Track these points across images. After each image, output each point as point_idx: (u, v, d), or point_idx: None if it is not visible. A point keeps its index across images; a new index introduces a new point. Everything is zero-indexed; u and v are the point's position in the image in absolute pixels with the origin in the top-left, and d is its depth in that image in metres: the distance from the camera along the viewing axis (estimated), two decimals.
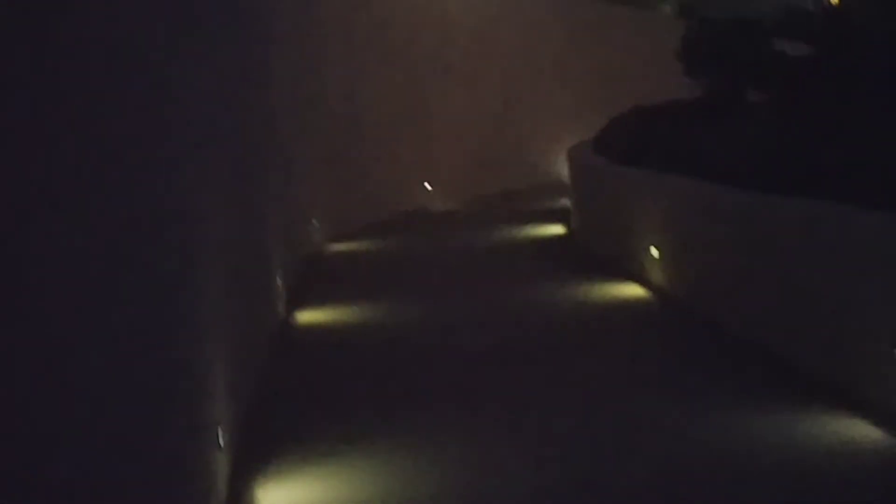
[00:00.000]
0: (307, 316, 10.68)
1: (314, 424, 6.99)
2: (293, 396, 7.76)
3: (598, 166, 14.01)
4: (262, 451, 6.46)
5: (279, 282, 10.43)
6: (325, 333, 9.86)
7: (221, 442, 5.64)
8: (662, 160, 11.86)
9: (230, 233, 7.05)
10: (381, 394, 7.64)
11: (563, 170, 23.81)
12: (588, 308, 10.22)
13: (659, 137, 13.02)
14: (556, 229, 15.92)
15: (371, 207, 18.50)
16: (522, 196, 21.29)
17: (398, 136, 19.80)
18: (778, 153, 9.19)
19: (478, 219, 18.36)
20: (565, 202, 18.60)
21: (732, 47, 16.33)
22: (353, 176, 18.05)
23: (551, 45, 24.14)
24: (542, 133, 23.81)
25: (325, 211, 16.51)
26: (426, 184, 20.60)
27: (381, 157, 19.14)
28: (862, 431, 6.13)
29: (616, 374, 7.84)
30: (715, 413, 6.64)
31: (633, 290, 10.91)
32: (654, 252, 11.01)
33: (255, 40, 10.58)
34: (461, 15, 22.00)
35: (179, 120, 5.42)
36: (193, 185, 5.71)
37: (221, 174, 6.88)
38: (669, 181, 10.89)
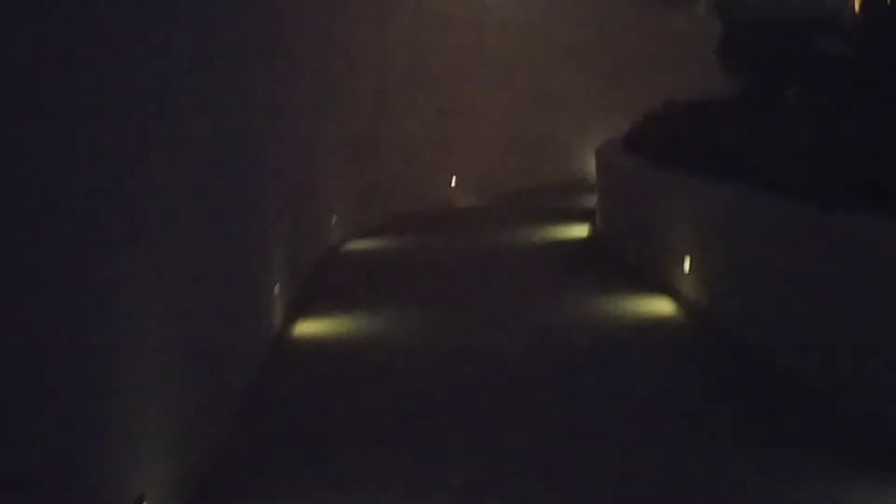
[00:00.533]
0: (309, 327, 9.99)
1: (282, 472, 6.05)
2: (270, 435, 6.79)
3: (628, 166, 13.51)
4: None
5: (277, 290, 9.86)
6: (319, 354, 9.02)
7: None
8: (700, 163, 11.30)
9: (201, 234, 6.21)
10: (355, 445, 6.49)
11: (592, 167, 23.32)
12: (611, 329, 9.36)
13: (695, 138, 12.49)
14: (581, 231, 15.44)
15: (394, 202, 18.08)
16: (549, 194, 20.80)
17: (425, 129, 19.37)
18: (830, 161, 8.44)
19: (502, 216, 17.90)
20: (591, 202, 18.11)
21: (772, 46, 15.81)
22: (377, 169, 17.64)
23: (584, 41, 23.66)
24: (572, 129, 23.34)
25: (346, 205, 16.11)
26: (452, 179, 20.17)
27: (406, 149, 18.72)
28: None
29: (635, 428, 6.60)
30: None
31: (662, 306, 10.11)
32: (688, 263, 10.43)
33: (275, 20, 10.20)
34: (496, 8, 21.53)
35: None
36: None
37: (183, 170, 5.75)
38: (708, 187, 10.23)
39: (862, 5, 19.27)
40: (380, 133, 17.71)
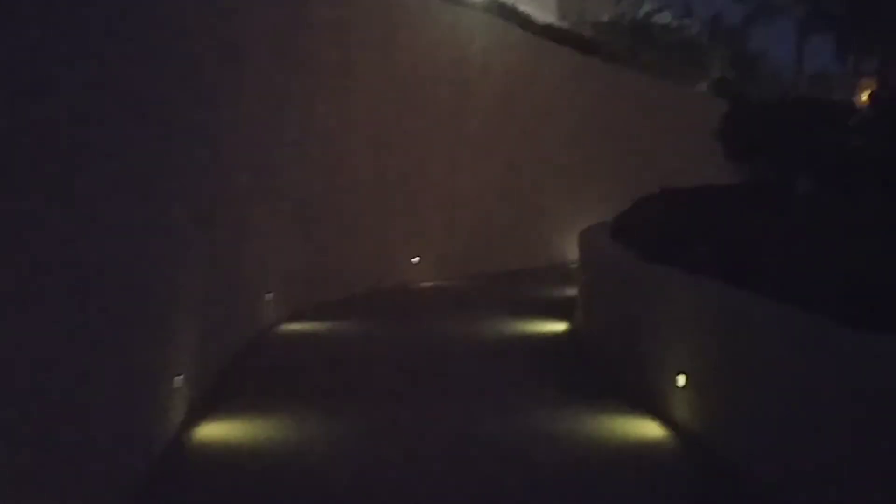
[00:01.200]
0: (216, 430, 7.97)
1: None
2: None
3: (617, 258, 11.35)
4: None
5: (179, 382, 7.74)
6: (222, 471, 7.14)
7: None
8: (702, 260, 9.23)
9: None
10: None
11: (570, 253, 21.18)
12: (587, 458, 7.47)
13: (696, 231, 10.40)
14: (558, 327, 13.23)
15: (347, 278, 15.86)
16: (522, 279, 18.63)
17: (387, 199, 17.20)
18: (856, 275, 6.71)
19: (468, 302, 15.69)
20: (571, 293, 15.95)
21: (779, 132, 13.93)
22: (329, 240, 15.43)
23: (570, 116, 21.60)
24: (551, 210, 21.19)
25: (288, 281, 13.86)
26: (415, 257, 17.96)
27: (364, 220, 16.53)
28: None
29: None
30: None
31: (650, 430, 8.21)
32: (682, 381, 8.34)
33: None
34: (478, 77, 19.48)
35: None
36: None
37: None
38: (712, 291, 8.23)
39: (872, 98, 17.67)
40: (334, 200, 15.53)
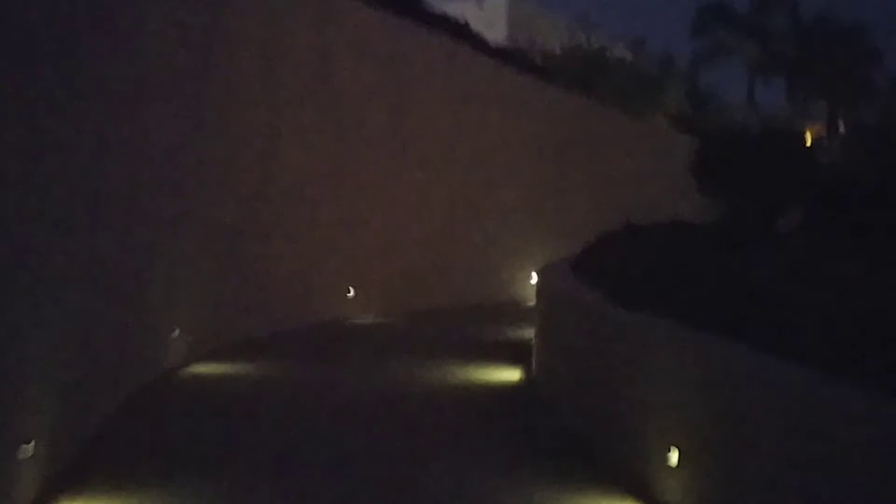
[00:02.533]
0: None
1: None
2: None
3: (581, 300, 9.65)
4: None
5: (27, 452, 5.90)
6: None
7: None
8: (681, 306, 7.60)
9: None
10: None
11: (523, 290, 19.50)
12: None
13: (672, 272, 8.77)
14: (511, 375, 11.49)
15: (271, 314, 14.04)
16: (469, 317, 16.90)
17: (320, 227, 15.44)
18: (867, 334, 5.50)
19: (408, 343, 13.91)
20: (526, 334, 14.26)
21: (758, 165, 12.55)
22: (250, 271, 13.62)
23: (523, 144, 19.99)
24: (501, 243, 19.52)
25: (201, 315, 12.03)
26: (349, 289, 16.18)
27: (293, 249, 14.74)
28: None
29: None
30: None
31: None
32: (674, 457, 6.63)
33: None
34: (423, 97, 17.81)
35: None
36: None
37: None
38: (702, 345, 6.60)
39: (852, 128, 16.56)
40: (258, 226, 13.74)
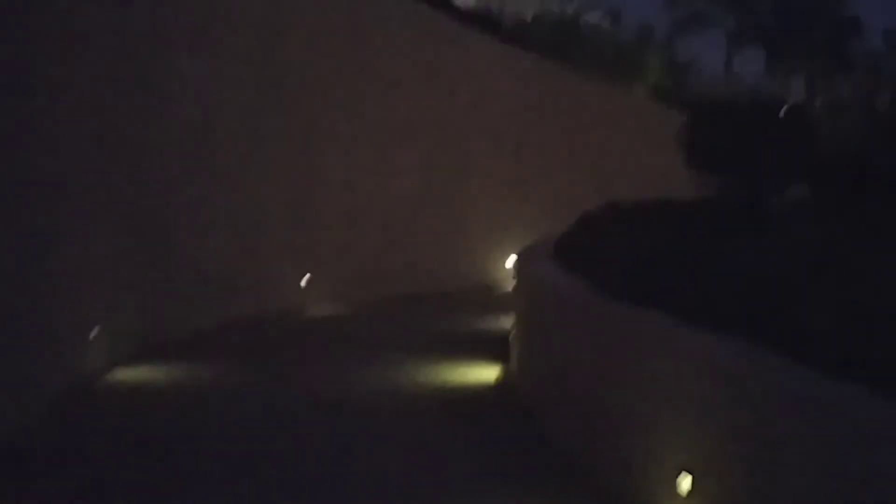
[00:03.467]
0: None
1: None
2: None
3: (566, 290, 8.11)
4: None
5: None
6: None
7: None
8: (684, 299, 6.18)
9: None
10: None
11: (497, 273, 17.96)
12: None
13: (677, 261, 7.30)
14: (487, 374, 9.94)
15: (212, 306, 12.46)
16: (440, 306, 15.35)
17: (269, 207, 13.85)
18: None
19: (368, 338, 12.35)
20: (503, 325, 12.76)
21: (752, 138, 11.09)
22: (192, 259, 12.04)
23: (498, 116, 18.37)
24: (474, 223, 17.94)
25: (126, 309, 10.45)
26: (304, 279, 14.60)
27: (239, 232, 13.15)
28: None
29: None
30: None
31: None
32: (686, 483, 5.18)
33: None
34: (386, 63, 16.19)
35: None
36: None
37: None
38: (718, 346, 5.25)
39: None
40: (195, 205, 12.13)
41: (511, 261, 18.24)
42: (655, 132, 20.47)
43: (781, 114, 11.52)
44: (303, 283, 14.52)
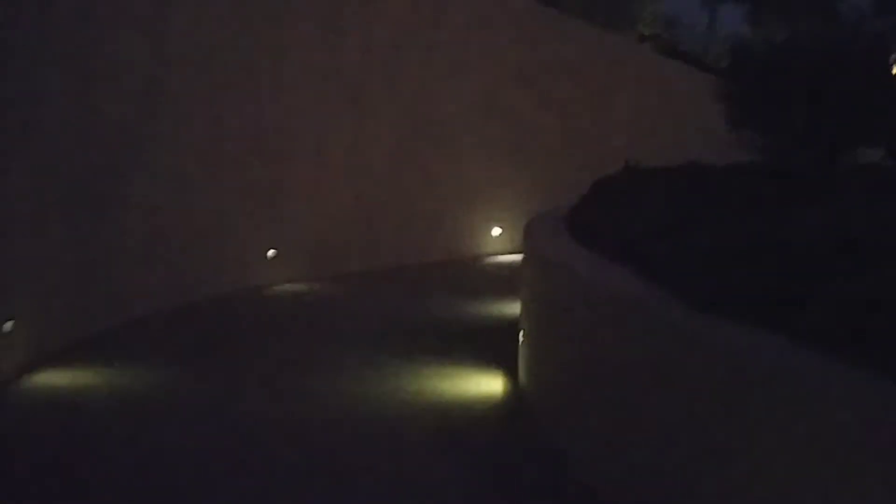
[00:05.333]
0: None
1: None
2: None
3: (601, 283, 6.28)
4: None
5: None
6: None
7: None
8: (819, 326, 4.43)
9: None
10: None
11: (491, 245, 16.21)
12: None
13: (742, 247, 5.60)
14: (488, 385, 8.10)
15: (168, 288, 10.65)
16: (424, 282, 13.56)
17: (228, 171, 11.98)
18: None
19: (341, 323, 10.56)
20: (497, 310, 11.08)
21: (820, 88, 9.25)
22: (134, 235, 10.19)
23: (485, 67, 16.45)
24: (459, 187, 16.09)
25: (53, 301, 8.61)
26: (271, 250, 12.76)
27: (193, 199, 11.30)
28: None
29: None
30: None
31: None
32: None
33: None
34: (363, 20, 14.24)
35: None
36: None
37: None
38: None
39: None
40: (136, 167, 10.26)
41: (497, 231, 16.52)
42: (667, 87, 18.77)
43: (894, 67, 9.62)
44: (270, 254, 12.68)
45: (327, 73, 13.52)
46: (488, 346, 9.22)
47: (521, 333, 8.26)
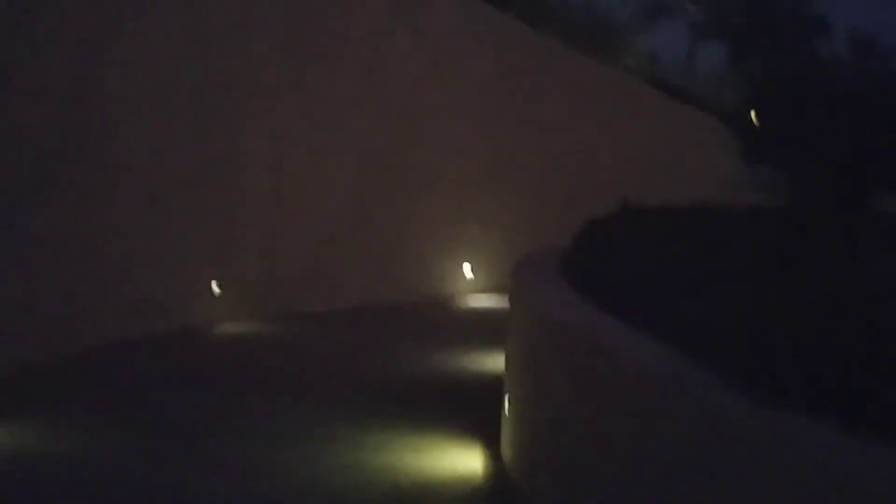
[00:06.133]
0: None
1: None
2: None
3: (620, 353, 4.91)
4: None
5: None
6: None
7: None
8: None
9: None
10: None
11: (463, 284, 14.82)
12: None
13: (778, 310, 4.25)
14: (466, 462, 6.67)
15: (97, 324, 9.23)
16: (386, 325, 12.15)
17: (170, 195, 10.58)
18: None
19: (290, 377, 9.11)
20: (471, 363, 9.69)
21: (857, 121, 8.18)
22: (42, 264, 8.77)
23: (461, 91, 15.10)
24: (429, 222, 14.67)
25: None
26: (216, 286, 11.31)
27: (130, 227, 9.90)
28: None
29: None
30: None
31: None
32: None
33: None
34: (328, 38, 12.92)
35: None
36: None
37: None
38: None
39: None
40: (75, 199, 8.85)
41: (468, 269, 15.17)
42: (658, 118, 17.68)
43: None
44: (215, 290, 11.23)
45: (286, 97, 12.16)
46: (463, 409, 7.81)
47: (505, 399, 6.86)
